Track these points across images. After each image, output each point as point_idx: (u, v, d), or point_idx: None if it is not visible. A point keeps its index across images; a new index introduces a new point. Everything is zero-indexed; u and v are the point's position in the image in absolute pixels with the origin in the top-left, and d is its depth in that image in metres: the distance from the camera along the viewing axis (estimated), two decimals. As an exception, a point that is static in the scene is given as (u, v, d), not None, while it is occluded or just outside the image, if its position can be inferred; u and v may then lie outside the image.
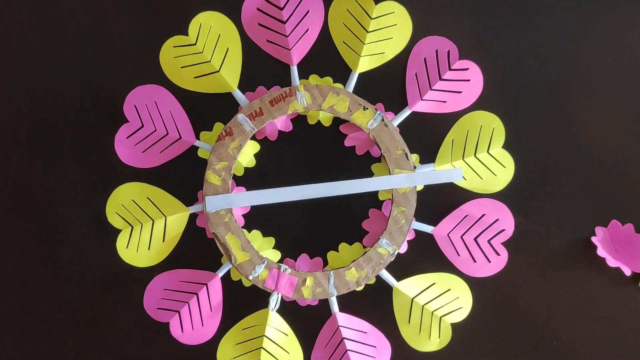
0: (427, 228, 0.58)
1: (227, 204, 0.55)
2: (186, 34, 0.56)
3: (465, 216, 0.58)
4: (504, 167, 0.58)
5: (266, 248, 0.57)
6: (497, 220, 0.57)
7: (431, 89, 0.57)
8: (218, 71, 0.56)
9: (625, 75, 0.54)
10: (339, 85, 0.57)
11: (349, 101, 0.56)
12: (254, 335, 0.56)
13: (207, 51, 0.56)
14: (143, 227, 0.56)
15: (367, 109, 0.56)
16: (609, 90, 0.54)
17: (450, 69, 0.57)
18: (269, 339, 0.56)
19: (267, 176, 0.58)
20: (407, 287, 0.58)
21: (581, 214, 0.52)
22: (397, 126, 0.58)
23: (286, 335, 0.57)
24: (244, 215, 0.58)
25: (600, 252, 0.50)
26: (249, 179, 0.58)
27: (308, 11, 0.57)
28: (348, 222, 0.58)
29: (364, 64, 0.57)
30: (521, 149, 0.53)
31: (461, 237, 0.57)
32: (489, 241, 0.58)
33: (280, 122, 0.57)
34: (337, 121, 0.58)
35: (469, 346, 0.56)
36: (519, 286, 0.54)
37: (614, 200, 0.53)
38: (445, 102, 0.58)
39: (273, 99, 0.56)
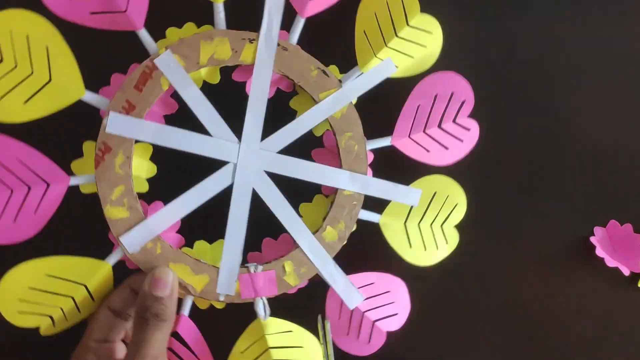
0: (384, 142, 0.48)
1: (149, 233, 0.43)
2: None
3: (418, 106, 0.48)
4: (430, 33, 0.48)
5: (220, 254, 0.46)
6: (453, 93, 0.48)
7: (423, 132, 0.48)
8: (50, 81, 0.41)
9: (626, 74, 0.52)
10: (207, 29, 0.44)
11: (229, 40, 0.43)
12: (258, 353, 0.46)
13: (22, 63, 0.41)
14: (65, 312, 0.43)
15: (254, 39, 0.44)
16: (609, 90, 0.52)
17: (453, 121, 0.48)
18: (277, 348, 0.46)
19: (180, 174, 0.45)
20: (393, 215, 0.48)
21: (580, 214, 0.51)
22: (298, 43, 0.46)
23: (291, 332, 0.47)
24: (178, 232, 0.46)
25: (599, 252, 0.49)
26: (160, 188, 0.45)
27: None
28: (293, 180, 0.46)
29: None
30: (519, 147, 0.50)
31: (424, 131, 0.48)
32: (454, 121, 0.49)
33: (161, 105, 0.44)
34: (226, 70, 0.45)
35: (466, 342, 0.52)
36: (517, 286, 0.52)
37: (613, 200, 0.52)
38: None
39: (137, 83, 0.42)
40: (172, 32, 0.44)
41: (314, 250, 0.46)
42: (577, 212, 0.51)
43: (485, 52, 0.52)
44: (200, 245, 0.46)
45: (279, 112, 0.46)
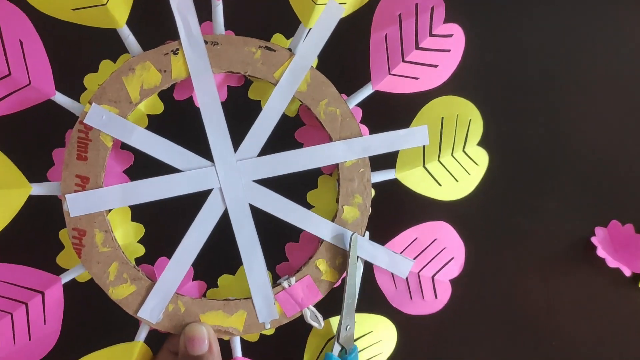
0: (366, 91, 0.42)
1: (165, 296, 0.39)
2: None
3: (385, 35, 0.41)
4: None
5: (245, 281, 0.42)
6: (417, 4, 0.41)
7: (404, 61, 0.41)
8: (105, 4, 0.36)
9: (626, 74, 0.50)
10: (125, 58, 0.38)
11: (152, 63, 0.37)
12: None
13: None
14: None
15: (177, 49, 0.38)
16: (610, 89, 0.50)
17: (431, 35, 0.41)
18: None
19: (170, 220, 0.40)
20: (407, 161, 0.43)
21: (581, 214, 0.50)
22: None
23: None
24: (195, 278, 0.42)
25: (600, 252, 0.48)
26: (157, 243, 0.41)
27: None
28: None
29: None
30: (519, 147, 0.48)
31: (403, 61, 0.42)
32: (431, 35, 0.42)
33: (115, 163, 0.39)
34: (167, 92, 0.40)
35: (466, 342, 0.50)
36: (519, 286, 0.50)
37: (614, 200, 0.50)
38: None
39: (78, 152, 0.37)
40: (90, 80, 0.38)
41: (340, 236, 0.41)
42: (578, 212, 0.50)
43: (486, 52, 0.48)
44: (224, 280, 0.42)
45: (242, 109, 0.41)
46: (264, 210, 0.40)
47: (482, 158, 0.44)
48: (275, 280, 0.42)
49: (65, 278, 0.39)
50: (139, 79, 0.37)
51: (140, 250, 0.41)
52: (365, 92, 0.42)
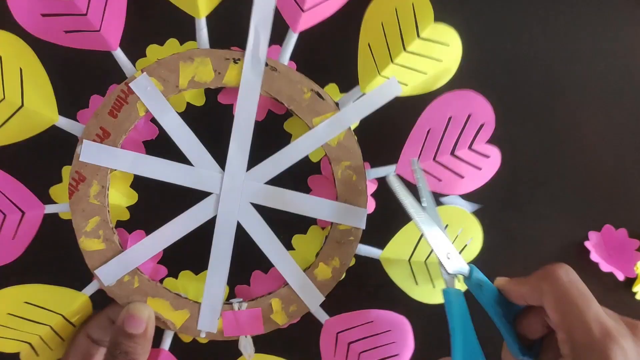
0: (388, 170, 0.43)
1: (126, 266, 0.40)
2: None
3: (429, 131, 0.42)
4: (447, 45, 0.42)
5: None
6: (470, 115, 0.42)
7: (434, 160, 0.43)
8: (22, 106, 0.39)
9: (621, 79, 0.50)
10: (191, 46, 0.40)
11: (211, 61, 0.39)
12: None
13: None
14: (44, 339, 0.42)
15: (239, 59, 0.39)
16: (604, 94, 0.50)
17: (469, 148, 0.43)
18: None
19: (165, 201, 0.42)
20: (397, 250, 0.44)
21: (574, 219, 0.50)
22: (292, 60, 0.41)
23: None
24: (160, 262, 0.43)
25: (594, 256, 0.49)
26: (143, 215, 0.43)
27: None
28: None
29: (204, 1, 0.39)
30: (514, 151, 0.46)
31: (434, 160, 0.43)
32: (470, 147, 0.43)
33: (139, 131, 0.41)
34: (212, 92, 0.41)
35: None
36: None
37: (607, 205, 0.50)
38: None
39: (112, 109, 0.39)
40: (152, 50, 0.40)
41: (305, 288, 0.42)
42: (572, 217, 0.50)
43: (483, 56, 0.47)
44: (185, 276, 0.43)
45: (272, 134, 0.42)
46: (248, 232, 0.41)
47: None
48: (230, 297, 0.43)
49: (49, 209, 0.41)
50: (194, 69, 0.39)
51: (125, 216, 0.42)
52: (387, 171, 0.43)
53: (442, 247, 0.40)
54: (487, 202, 0.47)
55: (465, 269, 0.40)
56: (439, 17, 0.41)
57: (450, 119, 0.42)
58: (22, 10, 0.38)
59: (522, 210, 0.50)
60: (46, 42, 0.39)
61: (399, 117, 0.43)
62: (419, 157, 0.42)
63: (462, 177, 0.43)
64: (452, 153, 0.43)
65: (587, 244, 0.49)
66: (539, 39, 0.49)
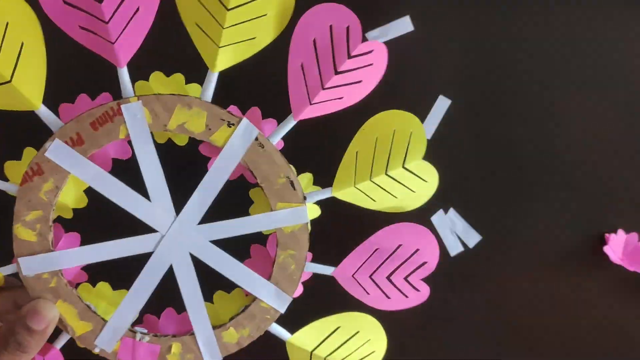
0: (325, 270, 0.45)
1: (50, 266, 0.41)
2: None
3: (376, 250, 0.44)
4: (425, 181, 0.44)
5: (118, 305, 0.44)
6: (417, 250, 0.45)
7: (323, 89, 0.41)
8: (9, 82, 0.38)
9: (621, 76, 0.51)
10: (194, 90, 0.40)
11: (207, 116, 0.40)
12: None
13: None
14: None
15: (233, 124, 0.40)
16: (604, 94, 0.51)
17: (349, 57, 0.40)
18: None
19: (113, 213, 0.42)
20: (305, 339, 0.46)
21: (574, 218, 0.51)
22: (282, 139, 0.42)
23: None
24: (84, 269, 0.44)
25: (614, 259, 0.51)
26: (85, 220, 0.43)
27: (135, -19, 0.38)
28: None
29: (225, 57, 0.40)
30: (512, 151, 0.50)
31: (370, 277, 0.45)
32: (405, 278, 0.45)
33: (114, 148, 0.41)
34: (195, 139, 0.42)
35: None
36: (515, 287, 0.52)
37: (606, 206, 0.52)
38: (341, 98, 0.42)
39: (95, 120, 0.39)
40: (156, 78, 0.40)
41: (208, 344, 0.44)
42: (569, 217, 0.51)
43: (473, 54, 0.50)
44: (103, 287, 0.44)
45: (237, 194, 0.43)
46: (177, 278, 0.43)
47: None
48: (137, 321, 0.44)
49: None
50: (187, 117, 0.39)
51: (69, 215, 0.42)
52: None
53: None
54: (483, 202, 0.49)
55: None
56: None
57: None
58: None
59: (523, 208, 0.52)
60: (58, 28, 0.38)
61: (355, 224, 0.45)
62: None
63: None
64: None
65: (606, 248, 0.52)
66: (532, 38, 0.50)
